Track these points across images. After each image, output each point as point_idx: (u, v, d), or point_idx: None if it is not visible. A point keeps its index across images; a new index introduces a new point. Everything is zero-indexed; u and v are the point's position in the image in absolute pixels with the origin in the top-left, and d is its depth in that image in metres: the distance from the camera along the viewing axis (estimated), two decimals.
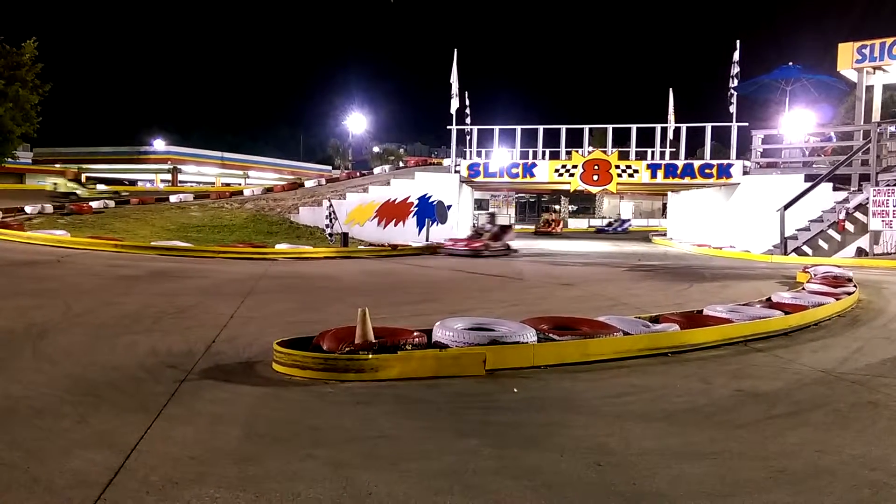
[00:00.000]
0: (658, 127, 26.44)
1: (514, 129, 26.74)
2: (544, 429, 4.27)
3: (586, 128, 26.41)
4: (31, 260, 13.96)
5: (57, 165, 57.40)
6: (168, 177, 60.33)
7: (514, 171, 26.31)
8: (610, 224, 45.74)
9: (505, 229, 23.00)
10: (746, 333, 7.14)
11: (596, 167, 25.85)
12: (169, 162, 57.79)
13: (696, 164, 25.34)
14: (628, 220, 48.05)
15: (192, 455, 3.67)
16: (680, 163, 25.53)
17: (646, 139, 26.82)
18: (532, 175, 26.28)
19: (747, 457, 3.82)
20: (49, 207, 25.57)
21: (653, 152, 26.94)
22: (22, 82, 25.75)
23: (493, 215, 24.98)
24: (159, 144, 58.95)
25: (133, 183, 60.36)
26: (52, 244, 17.14)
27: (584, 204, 57.47)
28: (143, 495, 3.16)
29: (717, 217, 26.48)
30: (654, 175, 25.56)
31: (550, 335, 6.20)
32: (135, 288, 10.71)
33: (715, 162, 25.10)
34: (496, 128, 27.13)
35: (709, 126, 25.41)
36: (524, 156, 27.66)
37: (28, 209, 24.92)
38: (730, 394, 5.19)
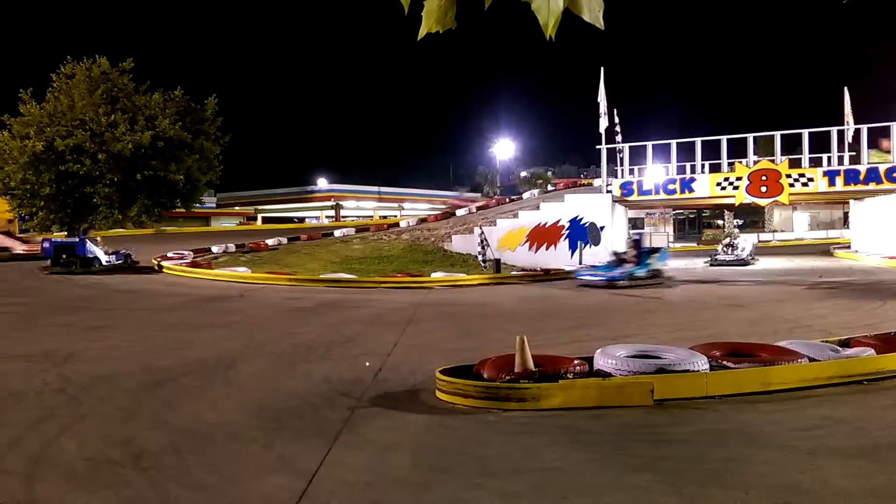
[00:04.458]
0: (834, 130, 24.11)
1: (669, 144, 25.63)
2: (725, 464, 3.97)
3: (750, 136, 24.69)
4: (218, 295, 15.50)
5: (237, 207, 63.70)
6: (332, 213, 64.64)
7: (670, 186, 25.16)
8: (726, 249, 25.81)
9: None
10: None
11: (764, 178, 24.03)
12: (332, 199, 61.98)
13: (882, 167, 22.72)
14: (747, 245, 25.93)
15: (366, 481, 3.84)
16: (862, 167, 23.03)
17: (819, 144, 24.53)
18: (691, 190, 24.96)
19: None
20: (232, 247, 28.34)
21: (829, 158, 24.55)
22: (206, 135, 28.85)
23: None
24: (322, 183, 63.43)
25: (301, 220, 65.25)
26: (235, 280, 18.93)
27: (752, 217, 53.51)
28: None
29: None
30: (832, 182, 23.26)
31: (724, 363, 5.80)
32: (307, 319, 11.50)
33: None
34: (649, 143, 26.17)
35: (895, 125, 22.74)
36: (681, 170, 26.39)
37: (214, 248, 27.80)
38: None
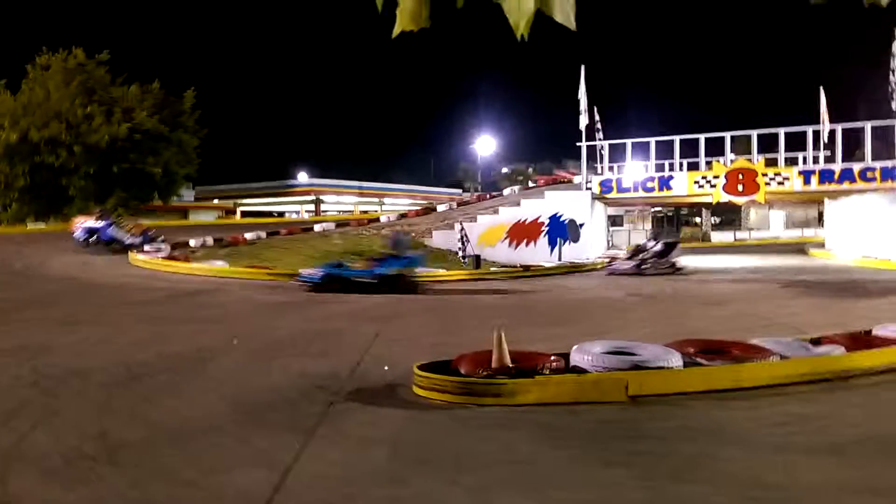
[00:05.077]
0: (809, 129, 24.48)
1: (648, 142, 25.88)
2: (695, 460, 4.06)
3: (727, 135, 25.01)
4: (196, 289, 15.35)
5: (215, 201, 63.07)
6: (312, 207, 64.30)
7: (649, 184, 25.41)
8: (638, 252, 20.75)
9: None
10: None
11: (740, 176, 24.36)
12: (312, 193, 61.60)
13: (856, 167, 23.14)
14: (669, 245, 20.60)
15: (342, 475, 3.86)
16: (837, 167, 23.44)
17: (795, 144, 24.90)
18: (669, 188, 25.23)
19: None
20: (210, 240, 28.04)
21: (805, 157, 24.95)
22: (184, 128, 28.58)
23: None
24: (303, 177, 63.02)
25: (281, 214, 64.81)
26: (213, 274, 18.75)
27: (729, 216, 54.19)
28: None
29: (884, 225, 23.95)
30: (807, 182, 23.65)
31: (698, 359, 5.90)
32: (286, 314, 11.46)
33: (878, 164, 22.77)
34: (629, 141, 26.40)
35: (868, 125, 23.16)
36: (660, 168, 26.65)
37: (192, 242, 27.47)
38: None
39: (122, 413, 5.21)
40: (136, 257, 21.24)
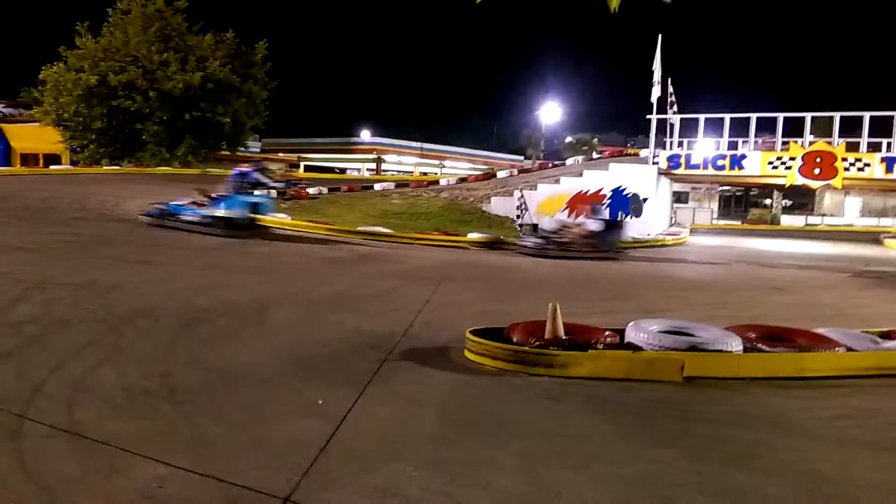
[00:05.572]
0: None
1: (723, 118, 24.88)
2: (750, 447, 3.94)
3: (807, 116, 23.79)
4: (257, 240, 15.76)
5: (280, 154, 64.23)
6: (373, 165, 64.78)
7: (719, 162, 24.51)
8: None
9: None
10: None
11: (818, 159, 23.22)
12: (374, 152, 62.01)
13: None
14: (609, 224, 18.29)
15: (391, 432, 3.92)
16: None
17: (880, 129, 23.47)
18: (741, 167, 24.29)
19: None
20: (274, 193, 28.65)
21: (889, 143, 23.54)
22: (254, 80, 28.96)
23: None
24: (365, 135, 63.42)
25: (343, 171, 65.56)
26: (276, 226, 19.20)
27: (801, 199, 51.90)
28: (349, 465, 3.45)
29: None
30: (889, 169, 22.38)
31: (759, 345, 5.71)
32: (342, 270, 11.65)
33: None
34: (701, 116, 25.43)
35: None
36: (732, 146, 25.64)
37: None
38: None
39: (182, 354, 5.42)
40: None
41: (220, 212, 16.15)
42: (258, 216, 17.37)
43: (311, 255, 13.74)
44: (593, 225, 17.29)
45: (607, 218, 19.03)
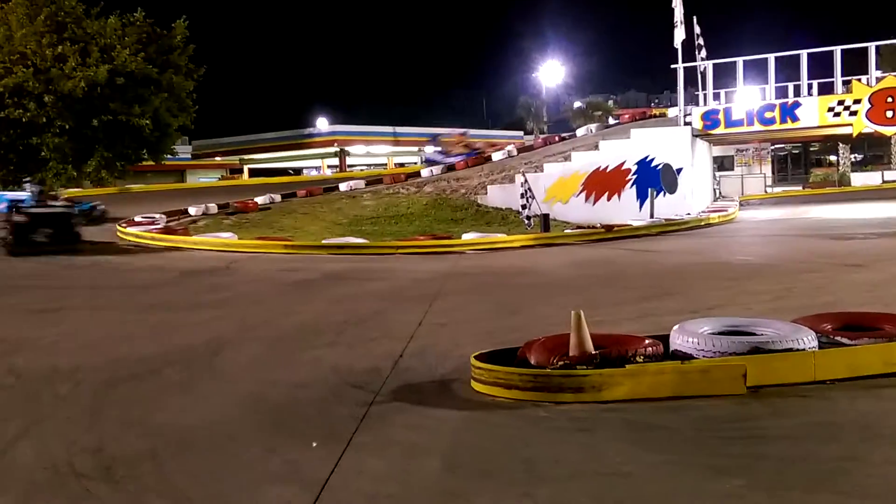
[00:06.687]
0: None
1: (766, 59, 25.06)
2: (837, 465, 3.98)
3: (872, 46, 24.01)
4: (200, 268, 15.77)
5: (217, 158, 64.21)
6: (335, 161, 64.81)
7: (767, 115, 24.69)
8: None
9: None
10: None
11: (889, 99, 23.41)
12: (335, 144, 62.05)
13: None
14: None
15: (388, 493, 3.93)
16: None
17: None
18: (794, 118, 24.46)
19: None
20: (214, 207, 28.71)
21: None
22: (175, 68, 28.87)
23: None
24: (323, 125, 63.46)
25: (298, 172, 65.55)
26: (220, 248, 19.23)
27: (875, 151, 52.19)
28: None
29: None
30: None
31: (837, 338, 5.75)
32: (310, 295, 11.67)
33: None
34: (739, 59, 25.60)
35: None
36: (781, 93, 25.83)
37: (192, 210, 28.19)
38: None
39: (117, 419, 5.41)
40: (125, 230, 21.90)
41: None
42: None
43: (269, 279, 13.76)
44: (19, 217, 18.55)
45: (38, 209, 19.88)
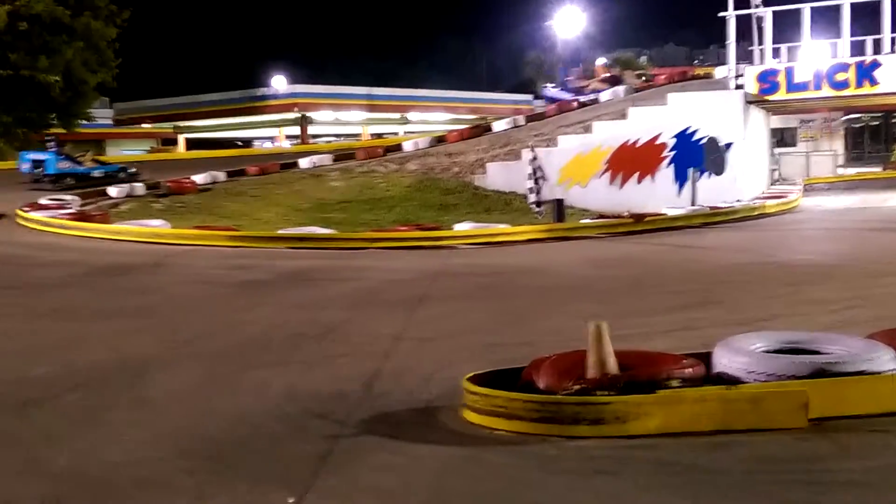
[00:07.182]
0: None
1: (838, 6, 25.12)
2: None
3: None
4: (121, 263, 15.67)
5: (145, 125, 63.95)
6: (296, 130, 64.64)
7: (839, 76, 24.74)
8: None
9: None
10: None
11: None
12: (295, 108, 61.87)
13: None
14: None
15: None
16: None
17: None
18: (873, 81, 24.52)
19: None
20: (141, 187, 28.60)
21: None
22: (93, 11, 28.72)
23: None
24: (280, 84, 63.30)
25: (249, 143, 65.46)
26: (147, 240, 19.11)
27: None
28: None
29: None
30: None
31: None
32: (261, 300, 11.62)
33: None
34: (806, 6, 25.63)
35: None
36: (857, 50, 25.89)
37: (113, 192, 28.06)
38: None
39: (12, 459, 5.37)
40: (27, 216, 21.76)
41: None
42: None
43: (209, 280, 13.70)
44: None
45: None
